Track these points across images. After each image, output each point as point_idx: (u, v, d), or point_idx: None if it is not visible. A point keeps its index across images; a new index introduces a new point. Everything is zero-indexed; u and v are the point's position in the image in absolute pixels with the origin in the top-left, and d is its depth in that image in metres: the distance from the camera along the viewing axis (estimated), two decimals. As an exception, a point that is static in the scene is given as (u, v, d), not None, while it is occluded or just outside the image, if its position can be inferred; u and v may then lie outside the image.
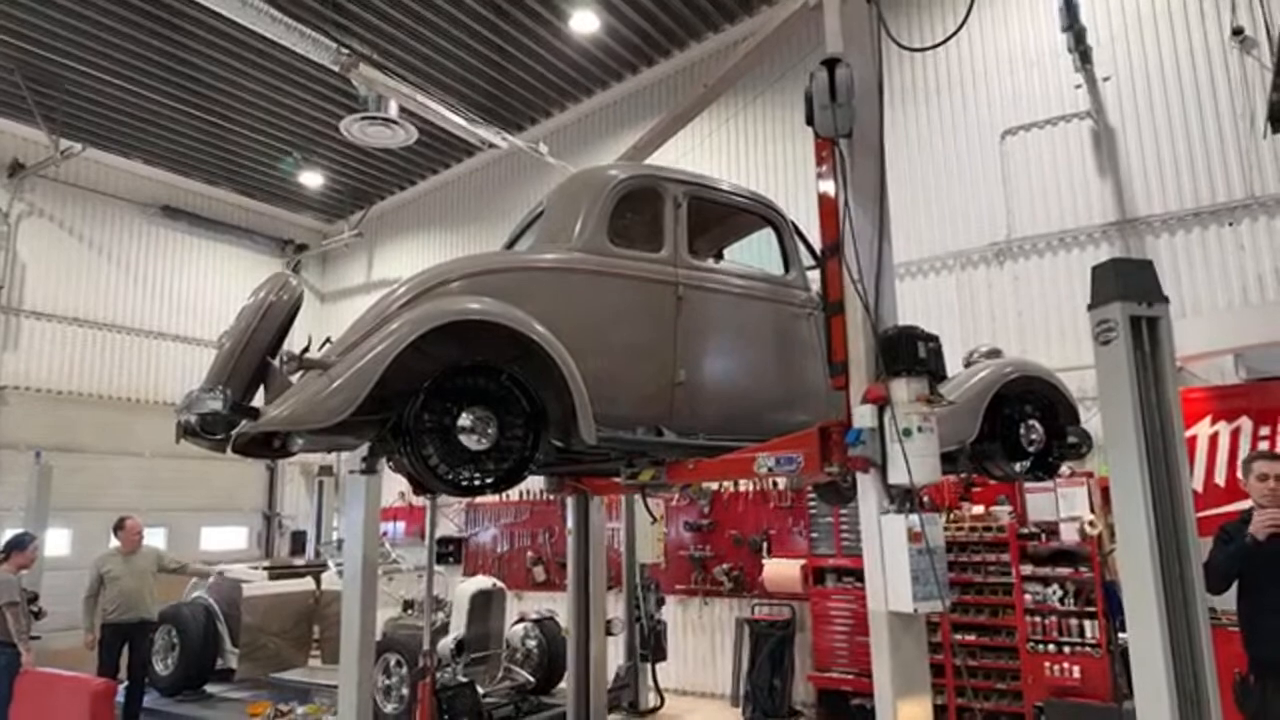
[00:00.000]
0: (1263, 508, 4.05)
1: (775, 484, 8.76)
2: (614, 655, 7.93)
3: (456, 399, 3.31)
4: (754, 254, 4.97)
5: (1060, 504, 7.23)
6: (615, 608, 8.15)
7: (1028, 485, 7.44)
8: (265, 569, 9.01)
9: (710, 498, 9.31)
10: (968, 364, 4.92)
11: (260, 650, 7.95)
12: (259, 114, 11.43)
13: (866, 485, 3.50)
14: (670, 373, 4.00)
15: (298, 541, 13.27)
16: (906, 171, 8.47)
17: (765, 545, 8.87)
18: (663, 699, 8.40)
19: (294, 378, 3.38)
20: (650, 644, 8.20)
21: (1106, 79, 7.82)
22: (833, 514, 8.16)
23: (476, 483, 3.36)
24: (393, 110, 9.20)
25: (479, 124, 10.05)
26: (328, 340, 3.58)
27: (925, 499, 5.27)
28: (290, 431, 3.44)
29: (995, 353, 5.11)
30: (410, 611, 7.65)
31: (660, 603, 8.58)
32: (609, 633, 6.48)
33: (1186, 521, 2.78)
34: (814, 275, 4.42)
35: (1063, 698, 6.73)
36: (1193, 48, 7.44)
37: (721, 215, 4.70)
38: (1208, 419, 6.66)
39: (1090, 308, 2.88)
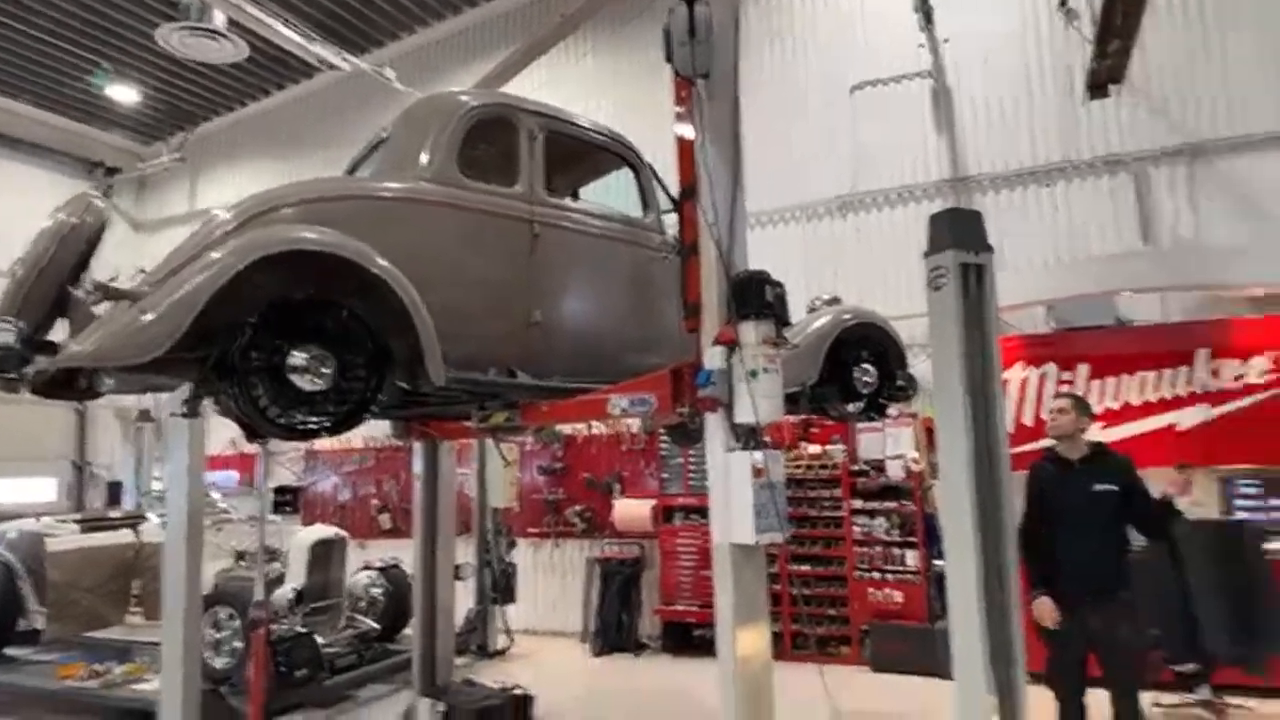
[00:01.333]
0: (1055, 438, 4.49)
1: (629, 426, 8.88)
2: (463, 600, 7.88)
3: (289, 336, 3.08)
4: (611, 195, 4.91)
5: (888, 443, 7.77)
6: (465, 553, 8.07)
7: (860, 425, 7.92)
8: (77, 522, 8.25)
9: (564, 441, 9.33)
10: (811, 311, 5.13)
11: (70, 609, 7.32)
12: (61, 16, 10.08)
13: (714, 424, 3.58)
14: (525, 313, 3.91)
15: (114, 493, 12.26)
16: (757, 121, 8.59)
17: (617, 487, 9.02)
18: (512, 640, 8.46)
19: (99, 309, 3.04)
20: (500, 587, 8.21)
21: (946, 41, 8.21)
22: (683, 455, 8.39)
23: (312, 426, 3.16)
24: (219, 21, 8.36)
25: (318, 42, 9.32)
26: (141, 271, 3.24)
27: (767, 439, 5.50)
28: (97, 370, 3.11)
29: (835, 300, 5.35)
30: (242, 563, 7.25)
31: (511, 546, 8.59)
32: (457, 577, 6.41)
33: (1001, 457, 3.02)
34: (670, 220, 4.43)
35: (885, 620, 7.32)
36: (1024, 16, 7.93)
37: (579, 152, 4.59)
38: (1019, 364, 7.28)
39: (926, 255, 3.03)
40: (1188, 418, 6.83)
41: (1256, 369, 6.69)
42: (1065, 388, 6.83)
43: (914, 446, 7.59)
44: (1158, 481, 4.34)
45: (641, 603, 8.54)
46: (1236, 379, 6.74)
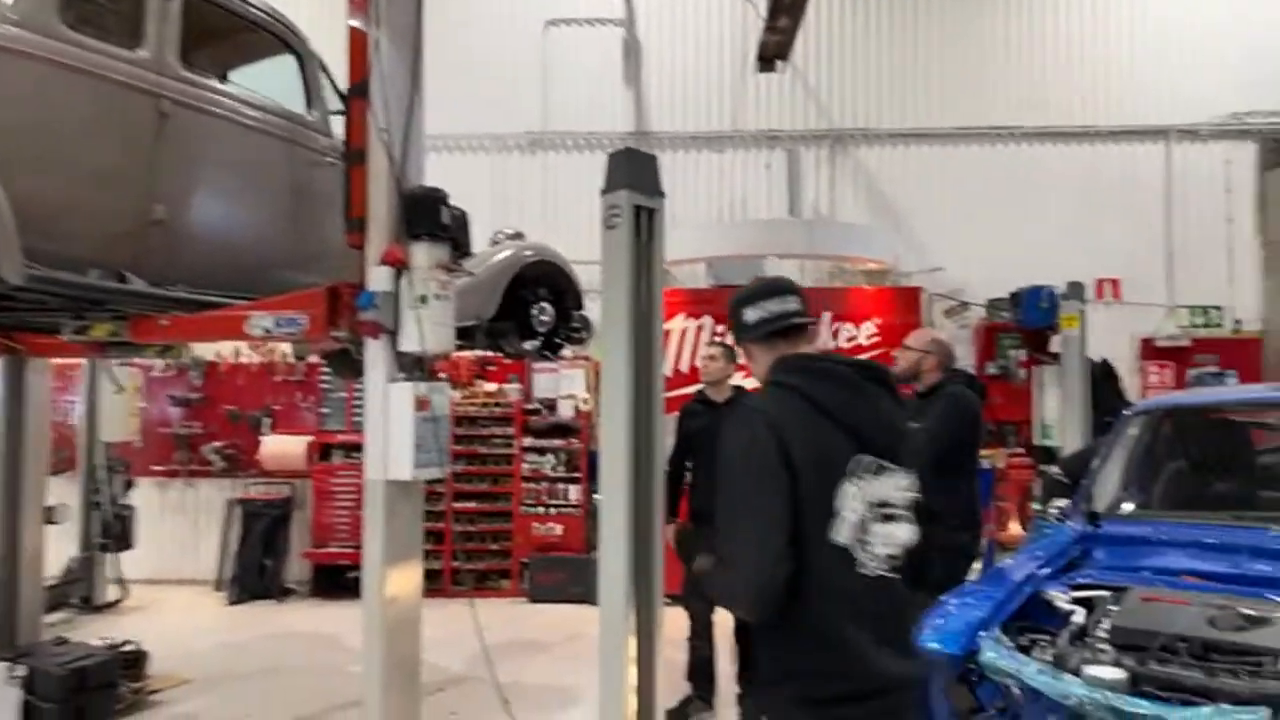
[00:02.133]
0: (708, 382, 4.87)
1: (284, 355, 8.07)
2: (64, 547, 6.69)
3: None
4: (270, 85, 4.27)
5: (562, 383, 7.94)
6: (68, 493, 6.82)
7: (536, 365, 7.99)
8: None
9: (203, 368, 8.23)
10: (493, 244, 4.96)
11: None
12: None
13: (376, 352, 3.29)
14: (143, 207, 3.26)
15: None
16: (449, 41, 8.15)
17: (268, 422, 8.18)
18: (126, 591, 7.37)
19: None
20: (113, 532, 7.06)
21: (639, -9, 8.40)
22: (346, 389, 7.82)
23: None
24: None
25: None
26: None
27: (443, 375, 5.27)
28: None
29: (518, 236, 5.23)
30: None
31: (129, 486, 7.40)
32: (50, 521, 5.37)
33: (657, 394, 3.13)
34: (340, 123, 3.95)
35: (546, 553, 7.53)
36: (709, -16, 8.35)
37: (230, 27, 3.91)
38: (681, 316, 7.80)
39: (604, 193, 3.01)
40: (813, 372, 7.81)
41: (865, 332, 7.83)
42: (717, 339, 7.43)
43: (585, 387, 7.84)
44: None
45: (289, 546, 7.90)
46: (850, 340, 7.84)
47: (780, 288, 2.09)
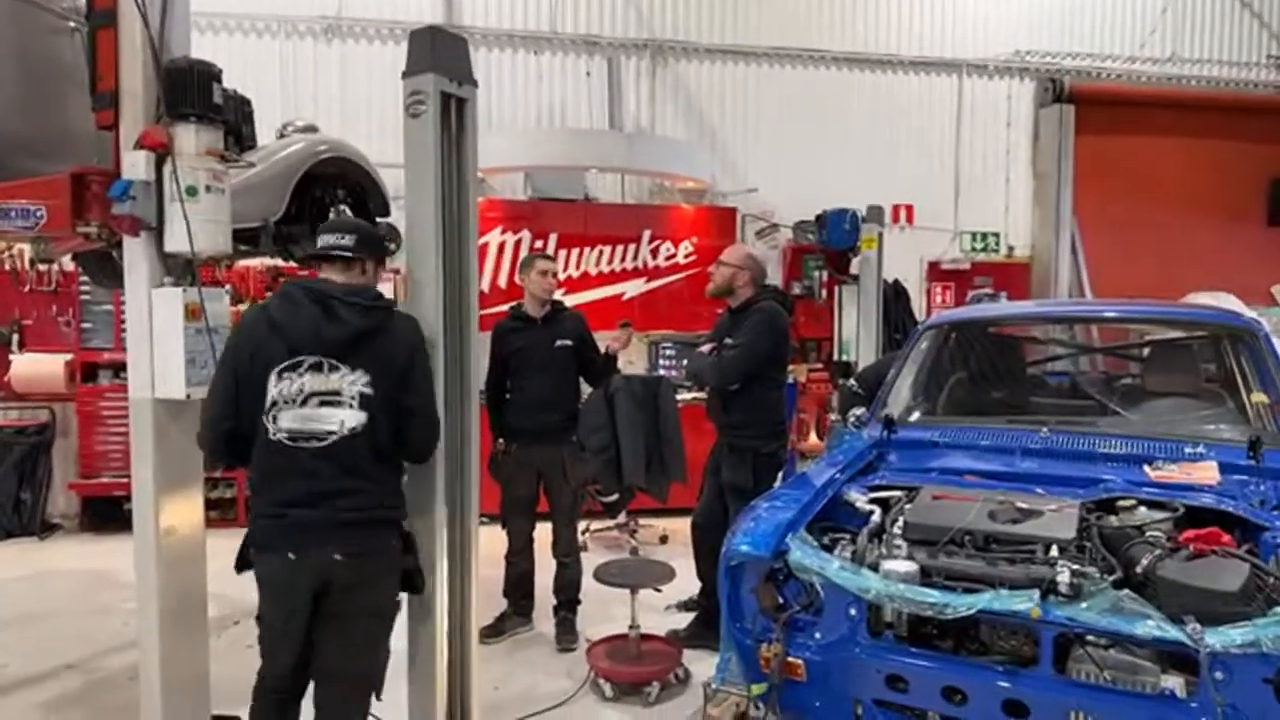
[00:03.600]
0: (538, 298, 4.66)
1: (31, 261, 6.97)
2: None
3: None
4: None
5: (367, 298, 7.42)
6: None
7: (337, 279, 7.42)
8: None
9: (-73, 275, 6.97)
10: (281, 137, 4.44)
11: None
12: None
13: (137, 252, 2.85)
14: None
15: None
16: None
17: (16, 338, 7.09)
18: None
19: None
20: None
21: None
22: (113, 300, 6.91)
23: None
24: None
25: None
26: None
27: (228, 286, 4.72)
28: None
29: (312, 129, 4.71)
30: None
31: None
32: None
33: (471, 303, 2.92)
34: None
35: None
36: None
37: None
38: (499, 229, 7.50)
39: (405, 75, 2.70)
40: (632, 289, 7.83)
41: (683, 252, 7.91)
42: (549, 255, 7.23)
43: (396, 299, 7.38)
44: (603, 340, 4.79)
45: (51, 478, 7.02)
46: (668, 259, 7.89)
47: (340, 226, 2.83)
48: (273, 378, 2.51)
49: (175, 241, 2.76)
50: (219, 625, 4.81)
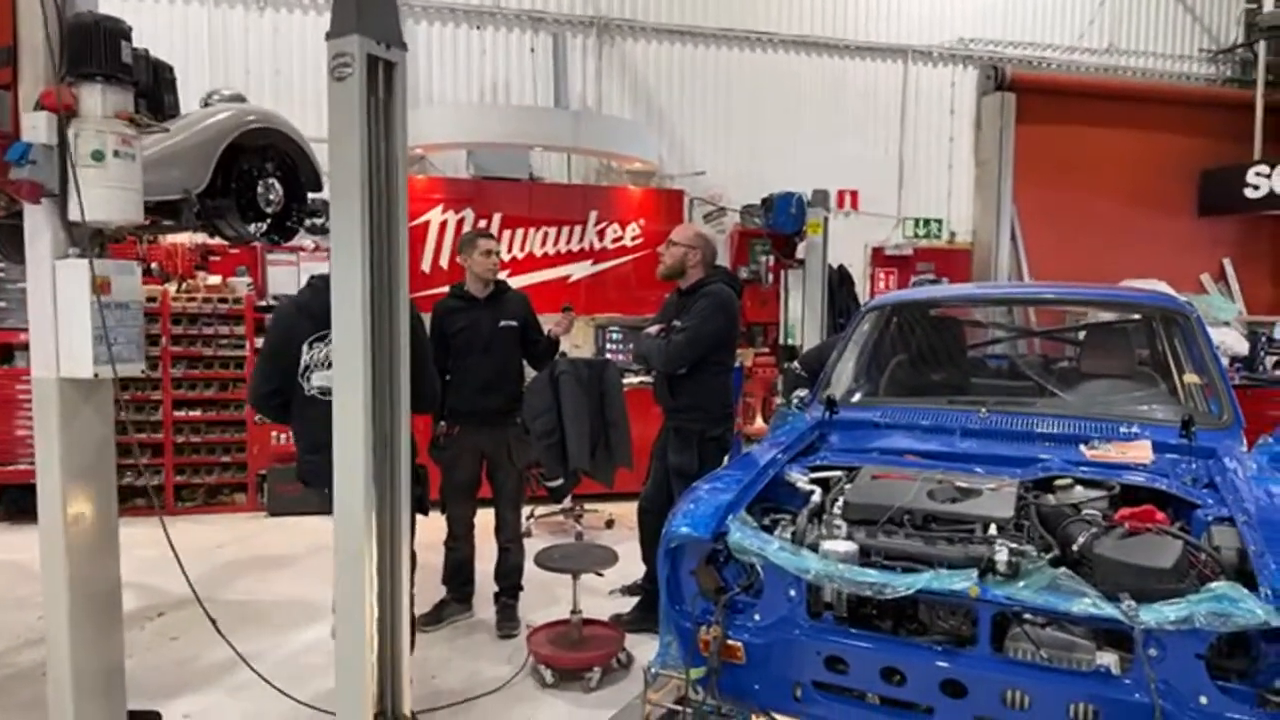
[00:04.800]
0: (481, 278, 4.52)
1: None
2: None
3: None
4: None
5: (302, 278, 7.18)
6: None
7: (270, 258, 7.18)
8: None
9: None
10: (205, 106, 4.22)
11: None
12: None
13: (39, 221, 2.66)
14: None
15: None
16: None
17: (-78, 318, 6.70)
18: None
19: None
20: None
21: None
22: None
23: None
24: None
25: None
26: None
27: (155, 264, 4.48)
28: None
29: (239, 99, 4.49)
30: None
31: None
32: None
33: (400, 283, 2.79)
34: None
35: (288, 463, 6.92)
36: None
37: None
38: (439, 208, 7.31)
39: (329, 37, 2.55)
40: (578, 271, 7.72)
41: (630, 234, 7.82)
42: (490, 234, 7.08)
43: (329, 283, 7.15)
44: (547, 323, 4.70)
45: (-38, 465, 6.65)
46: (615, 241, 7.79)
47: None
48: (305, 348, 3.38)
49: (80, 210, 2.58)
50: (142, 616, 4.62)
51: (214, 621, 2.90)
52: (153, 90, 3.04)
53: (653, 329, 4.44)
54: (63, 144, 2.58)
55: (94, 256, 2.65)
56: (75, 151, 2.57)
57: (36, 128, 2.56)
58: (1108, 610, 1.98)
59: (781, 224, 7.81)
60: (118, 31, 2.64)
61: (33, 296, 2.70)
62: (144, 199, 2.77)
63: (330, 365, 2.89)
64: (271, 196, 4.28)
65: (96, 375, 2.63)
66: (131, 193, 2.67)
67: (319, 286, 3.36)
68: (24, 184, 2.54)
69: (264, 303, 7.05)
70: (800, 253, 7.93)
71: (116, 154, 2.61)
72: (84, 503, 2.77)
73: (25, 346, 6.57)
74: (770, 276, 8.31)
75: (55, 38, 2.59)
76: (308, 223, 4.54)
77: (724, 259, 8.07)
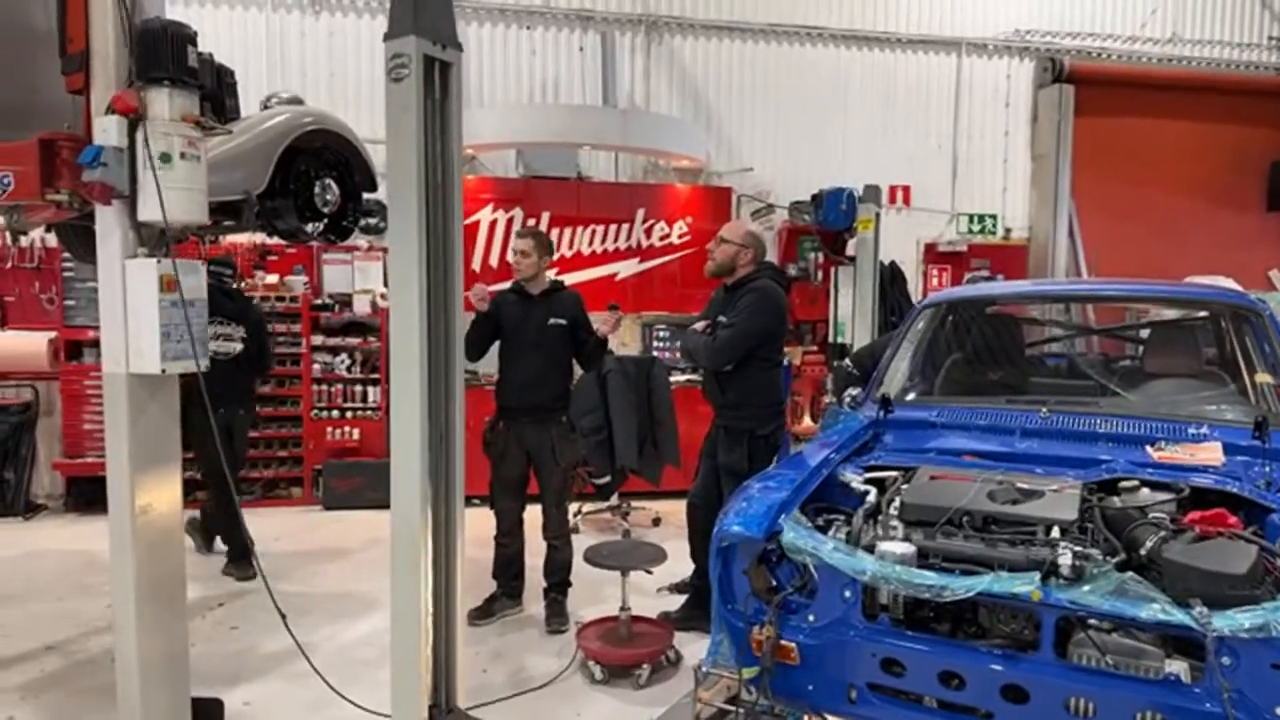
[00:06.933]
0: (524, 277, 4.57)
1: (14, 238, 6.84)
2: None
3: None
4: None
5: (357, 277, 7.33)
6: None
7: (325, 258, 7.32)
8: None
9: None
10: (265, 109, 4.32)
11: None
12: None
13: (109, 221, 2.75)
14: None
15: None
16: None
17: (-2, 315, 6.99)
18: None
19: None
20: None
21: None
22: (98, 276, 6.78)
23: None
24: None
25: None
26: None
27: (215, 259, 4.59)
28: None
29: (297, 101, 4.59)
30: None
31: None
32: None
33: (456, 279, 2.83)
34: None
35: (342, 458, 7.07)
36: None
37: None
38: (490, 207, 7.39)
39: (386, 38, 2.59)
40: (625, 269, 7.73)
41: (677, 232, 7.81)
42: (527, 230, 7.12)
43: (385, 281, 7.28)
44: (595, 321, 4.71)
45: (35, 457, 6.93)
46: (662, 239, 7.79)
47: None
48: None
49: (149, 210, 2.66)
50: (203, 606, 4.76)
51: (284, 616, 2.95)
52: (216, 94, 3.13)
53: (699, 325, 4.43)
54: (132, 147, 2.67)
55: (161, 256, 2.73)
56: (144, 154, 2.65)
57: (108, 131, 2.64)
58: (1178, 616, 1.92)
59: (832, 220, 7.71)
60: (184, 36, 2.72)
61: (104, 295, 2.79)
62: (208, 199, 2.85)
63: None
64: (328, 197, 4.36)
65: (164, 371, 2.71)
66: (197, 193, 2.74)
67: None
68: (96, 185, 2.63)
69: (319, 301, 7.20)
70: (850, 249, 7.82)
71: (183, 156, 2.69)
72: (151, 494, 2.85)
73: (93, 344, 6.82)
74: (819, 274, 8.21)
75: (125, 44, 2.68)
76: (362, 222, 4.65)
77: (772, 256, 8.00)
